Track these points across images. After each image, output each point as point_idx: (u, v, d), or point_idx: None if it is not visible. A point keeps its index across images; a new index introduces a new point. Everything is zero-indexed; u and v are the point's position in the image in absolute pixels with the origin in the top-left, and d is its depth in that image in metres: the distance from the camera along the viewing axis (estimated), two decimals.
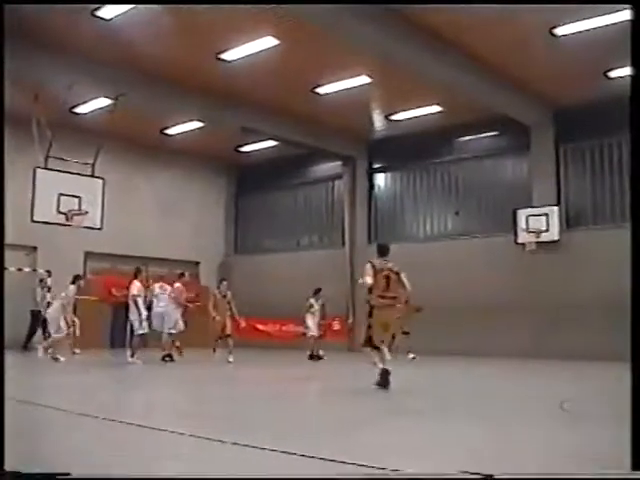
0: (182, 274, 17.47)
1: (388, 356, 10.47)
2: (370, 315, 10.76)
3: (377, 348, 10.61)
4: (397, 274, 10.75)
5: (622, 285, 19.93)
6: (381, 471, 4.57)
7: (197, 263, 26.96)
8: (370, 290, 10.67)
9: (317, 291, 18.81)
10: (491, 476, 4.05)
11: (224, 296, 16.87)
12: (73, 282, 16.95)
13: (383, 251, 10.99)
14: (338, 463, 4.89)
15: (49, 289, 20.27)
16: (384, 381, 10.21)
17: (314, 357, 18.22)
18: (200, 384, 12.35)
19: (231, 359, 15.88)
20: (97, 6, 14.43)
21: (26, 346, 20.17)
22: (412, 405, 9.14)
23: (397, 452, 5.51)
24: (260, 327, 23.19)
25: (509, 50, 16.58)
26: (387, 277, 10.66)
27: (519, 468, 5.01)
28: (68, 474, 3.73)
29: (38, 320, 20.13)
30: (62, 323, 16.49)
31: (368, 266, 10.77)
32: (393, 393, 9.99)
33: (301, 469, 4.85)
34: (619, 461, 4.00)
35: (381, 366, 10.40)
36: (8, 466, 3.92)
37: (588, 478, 3.98)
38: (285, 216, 27.53)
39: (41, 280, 21.30)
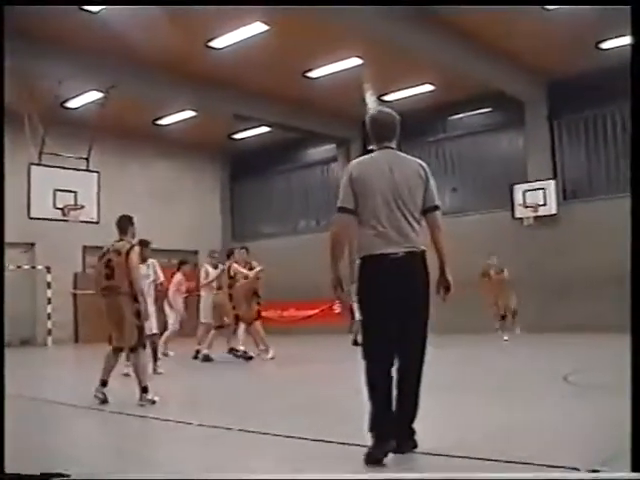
0: None
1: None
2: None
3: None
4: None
5: (623, 255, 19.99)
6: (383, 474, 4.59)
7: (196, 252, 26.94)
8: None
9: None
10: None
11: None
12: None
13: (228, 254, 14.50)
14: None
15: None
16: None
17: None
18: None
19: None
20: None
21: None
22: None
23: None
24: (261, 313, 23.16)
25: (499, 25, 16.49)
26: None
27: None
28: (68, 475, 3.75)
29: None
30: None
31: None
32: None
33: None
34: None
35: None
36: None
37: (588, 478, 3.97)
38: (281, 201, 27.53)
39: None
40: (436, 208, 5.16)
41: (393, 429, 4.88)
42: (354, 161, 5.26)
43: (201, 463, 5.13)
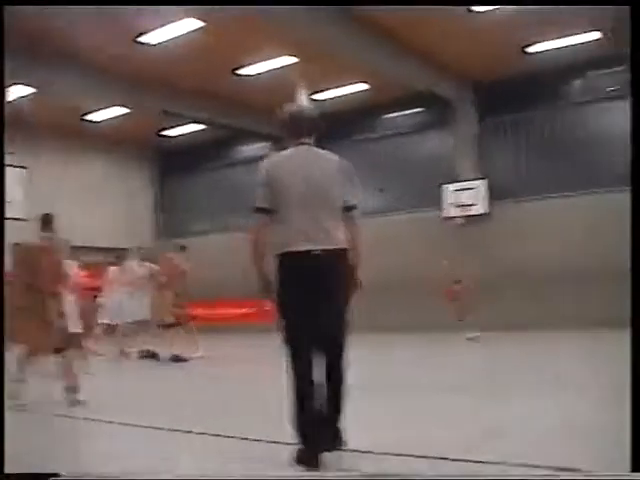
0: None
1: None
2: None
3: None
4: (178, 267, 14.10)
5: (551, 254, 20.33)
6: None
7: (125, 250, 26.66)
8: None
9: None
10: None
11: None
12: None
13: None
14: None
15: None
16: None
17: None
18: None
19: None
20: None
21: None
22: None
23: None
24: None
25: (430, 29, 16.71)
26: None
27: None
28: (57, 475, 3.72)
29: None
30: None
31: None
32: None
33: None
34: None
35: None
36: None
37: (587, 478, 4.00)
38: (212, 199, 27.31)
39: None
40: (353, 207, 5.05)
41: (319, 428, 4.78)
42: (268, 158, 5.14)
43: (133, 462, 5.09)
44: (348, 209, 5.02)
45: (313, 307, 4.82)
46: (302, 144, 5.09)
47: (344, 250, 4.94)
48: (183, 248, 14.58)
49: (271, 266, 4.95)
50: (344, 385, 4.93)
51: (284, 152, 5.13)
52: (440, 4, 14.71)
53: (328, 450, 4.79)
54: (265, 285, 4.99)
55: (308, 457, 4.64)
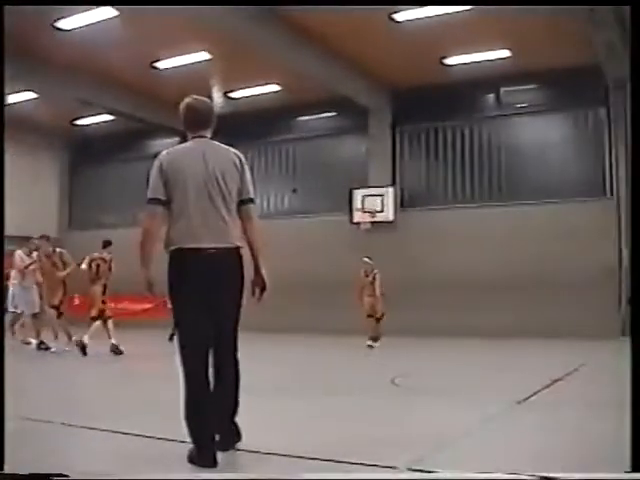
0: None
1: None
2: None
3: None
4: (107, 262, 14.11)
5: (456, 263, 20.61)
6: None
7: (28, 239, 26.01)
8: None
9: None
10: None
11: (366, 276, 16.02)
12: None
13: (104, 244, 14.27)
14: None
15: None
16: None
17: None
18: None
19: None
20: None
21: None
22: None
23: None
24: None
25: (350, 33, 16.83)
26: (97, 265, 14.02)
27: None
28: (66, 476, 3.60)
29: None
30: None
31: (87, 257, 14.08)
32: None
33: None
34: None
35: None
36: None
37: (586, 478, 4.03)
38: (123, 191, 26.80)
39: None
40: (250, 201, 4.99)
41: (213, 427, 4.70)
42: (165, 151, 4.96)
43: (32, 459, 4.92)
44: (244, 203, 4.96)
45: (205, 305, 4.74)
46: (200, 137, 4.98)
47: (238, 248, 4.87)
48: (109, 243, 14.48)
49: (161, 262, 4.86)
50: (238, 382, 4.92)
51: (182, 145, 5.03)
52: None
53: (225, 449, 4.77)
54: (149, 287, 4.88)
55: (200, 457, 4.55)
